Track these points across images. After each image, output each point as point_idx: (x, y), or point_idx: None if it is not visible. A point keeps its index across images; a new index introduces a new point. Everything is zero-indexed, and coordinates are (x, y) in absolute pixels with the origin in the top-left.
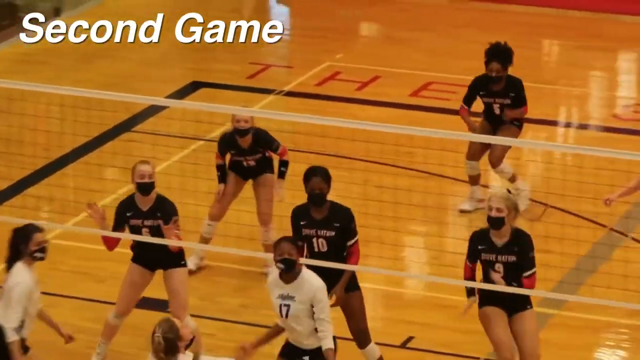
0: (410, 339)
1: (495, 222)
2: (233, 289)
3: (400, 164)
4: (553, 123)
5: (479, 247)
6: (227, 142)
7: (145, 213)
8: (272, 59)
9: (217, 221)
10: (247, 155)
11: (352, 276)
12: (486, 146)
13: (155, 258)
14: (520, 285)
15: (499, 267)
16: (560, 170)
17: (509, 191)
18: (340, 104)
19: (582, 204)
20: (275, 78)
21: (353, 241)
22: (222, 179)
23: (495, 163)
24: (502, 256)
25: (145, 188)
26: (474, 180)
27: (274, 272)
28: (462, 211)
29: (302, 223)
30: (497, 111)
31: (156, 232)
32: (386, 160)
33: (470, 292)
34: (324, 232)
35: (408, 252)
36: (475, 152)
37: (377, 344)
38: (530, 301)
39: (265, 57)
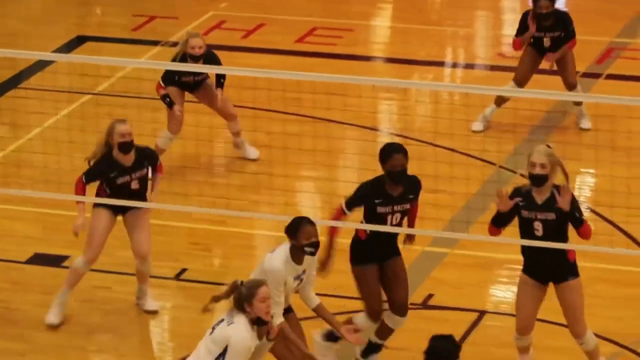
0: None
1: (538, 179)
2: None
3: (288, 110)
4: (440, 64)
5: (520, 204)
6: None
7: (131, 168)
8: (156, 10)
9: (176, 134)
10: (196, 76)
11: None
12: (533, 70)
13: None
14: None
15: (537, 225)
16: (447, 110)
17: (548, 146)
18: (227, 52)
19: (470, 142)
20: (161, 29)
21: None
22: (172, 103)
23: (572, 85)
24: (541, 214)
25: (127, 147)
26: (501, 101)
27: (277, 259)
28: (475, 131)
29: (377, 202)
30: (548, 44)
31: (144, 180)
32: (274, 106)
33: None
34: (401, 207)
35: (300, 198)
36: (523, 78)
37: None
38: (575, 270)
39: (149, 8)
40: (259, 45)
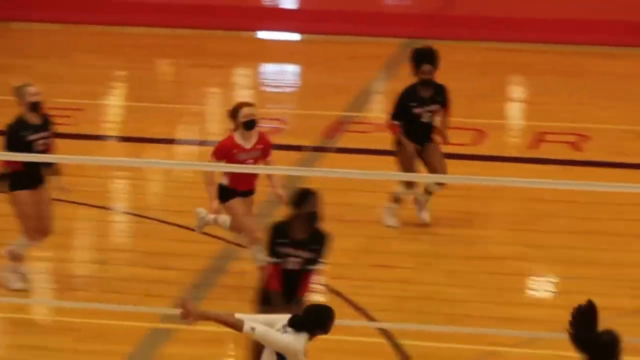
0: None
1: None
2: None
3: None
4: (171, 141)
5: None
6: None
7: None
8: None
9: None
10: (41, 132)
11: None
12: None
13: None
14: None
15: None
16: (175, 187)
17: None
18: None
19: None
20: None
21: None
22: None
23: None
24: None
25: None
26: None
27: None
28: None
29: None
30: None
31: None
32: None
33: None
34: None
35: (34, 279)
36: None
37: None
38: None
39: None
40: None
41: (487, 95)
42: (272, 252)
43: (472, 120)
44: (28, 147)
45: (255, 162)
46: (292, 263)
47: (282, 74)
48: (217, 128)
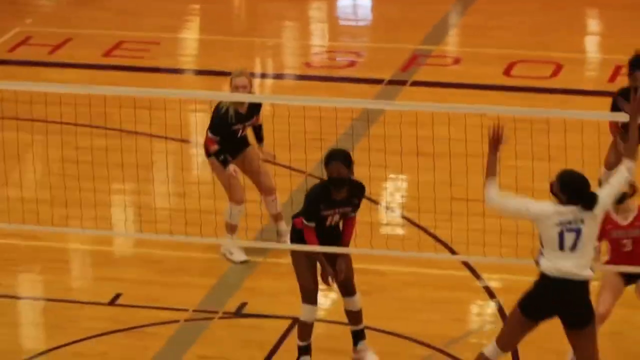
0: (118, 295)
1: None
2: None
3: (95, 124)
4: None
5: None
6: (226, 115)
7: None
8: None
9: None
10: (245, 122)
11: None
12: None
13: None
14: None
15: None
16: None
17: None
18: (33, 68)
19: (277, 151)
20: None
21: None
22: (227, 161)
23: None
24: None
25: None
26: None
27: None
28: None
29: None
30: None
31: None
32: (81, 121)
33: None
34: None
35: (110, 211)
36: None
37: (84, 303)
38: None
39: None
40: (66, 60)
41: (561, 29)
42: (314, 216)
43: (548, 53)
44: (231, 135)
45: (635, 244)
46: (331, 220)
47: (355, 7)
48: (292, 61)
